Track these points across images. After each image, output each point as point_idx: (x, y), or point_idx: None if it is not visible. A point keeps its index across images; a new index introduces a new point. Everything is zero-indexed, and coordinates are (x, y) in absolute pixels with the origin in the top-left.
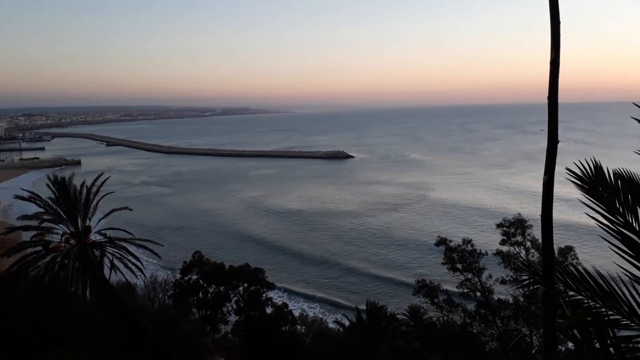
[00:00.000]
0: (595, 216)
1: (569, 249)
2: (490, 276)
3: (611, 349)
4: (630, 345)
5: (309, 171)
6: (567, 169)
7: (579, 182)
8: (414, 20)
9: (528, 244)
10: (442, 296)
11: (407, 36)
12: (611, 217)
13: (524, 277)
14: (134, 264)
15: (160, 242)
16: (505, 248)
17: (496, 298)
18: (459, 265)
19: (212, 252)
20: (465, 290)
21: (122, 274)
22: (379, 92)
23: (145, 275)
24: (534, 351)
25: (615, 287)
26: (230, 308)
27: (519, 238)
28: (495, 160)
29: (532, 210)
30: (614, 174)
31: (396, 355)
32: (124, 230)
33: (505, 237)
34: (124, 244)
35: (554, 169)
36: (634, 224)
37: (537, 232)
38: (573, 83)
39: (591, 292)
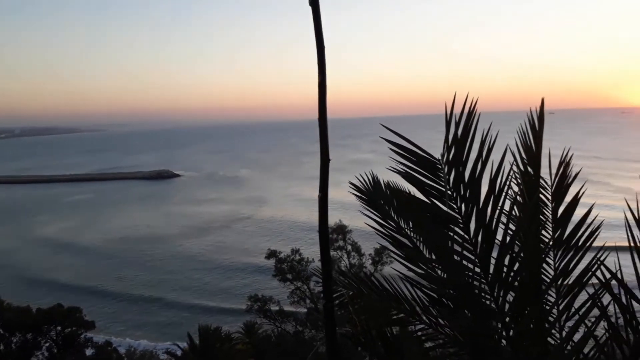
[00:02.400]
0: (373, 224)
1: (379, 253)
2: (317, 282)
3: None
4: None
5: (130, 194)
6: (350, 182)
7: (358, 194)
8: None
9: (349, 247)
10: (274, 308)
11: (216, 52)
12: (384, 223)
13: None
14: None
15: None
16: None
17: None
18: (289, 275)
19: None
20: (295, 299)
21: None
22: (212, 108)
23: None
24: None
25: (398, 288)
26: (41, 357)
27: (341, 243)
28: (315, 173)
29: (350, 217)
30: (385, 184)
31: None
32: None
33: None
34: None
35: (327, 186)
36: (405, 228)
37: (356, 237)
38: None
39: (379, 295)
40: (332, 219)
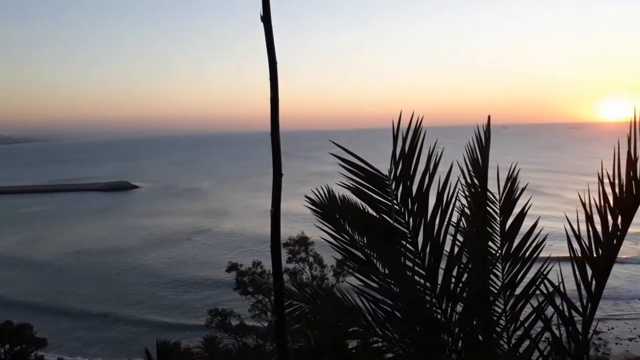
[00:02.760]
0: (328, 238)
1: (341, 264)
2: None
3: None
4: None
5: (86, 206)
6: (306, 196)
7: (313, 207)
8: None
9: (311, 259)
10: (235, 322)
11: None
12: (338, 237)
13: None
14: None
15: None
16: (291, 265)
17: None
18: (250, 289)
19: None
20: (257, 312)
21: None
22: (174, 118)
23: None
24: None
25: (354, 301)
26: None
27: (303, 255)
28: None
29: (312, 229)
30: (340, 198)
31: None
32: None
33: (291, 255)
34: None
35: (279, 201)
36: (359, 242)
37: (318, 249)
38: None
39: (335, 309)
40: (295, 231)
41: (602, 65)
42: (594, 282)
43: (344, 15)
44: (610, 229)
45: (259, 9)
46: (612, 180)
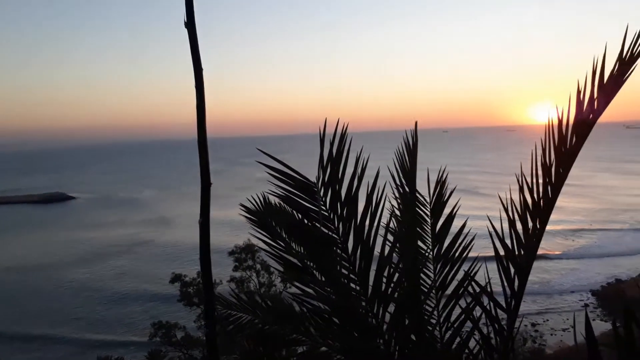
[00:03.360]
0: (263, 247)
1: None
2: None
3: None
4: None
5: (18, 219)
6: (240, 204)
7: (249, 216)
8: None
9: (258, 266)
10: (180, 334)
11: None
12: (274, 244)
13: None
14: None
15: None
16: (238, 274)
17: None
18: (195, 299)
19: None
20: (203, 323)
21: None
22: (111, 125)
23: None
24: None
25: (295, 309)
26: None
27: (250, 262)
28: (223, 192)
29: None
30: (276, 205)
31: None
32: None
33: (237, 264)
34: None
35: (209, 211)
36: (294, 249)
37: (266, 256)
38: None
39: (274, 317)
40: (241, 239)
41: (536, 71)
42: (516, 280)
43: (273, 23)
44: (530, 230)
45: (183, 14)
46: (530, 185)
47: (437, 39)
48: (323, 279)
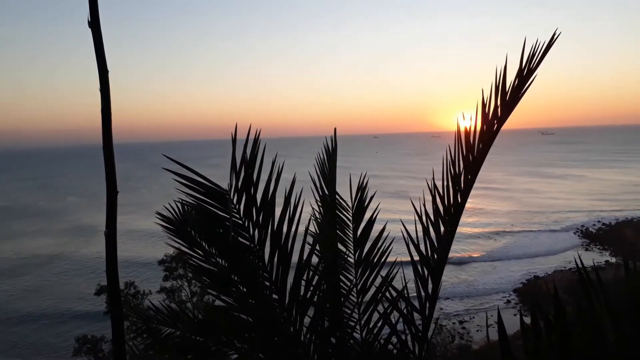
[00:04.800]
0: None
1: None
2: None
3: None
4: None
5: None
6: (157, 212)
7: (165, 224)
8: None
9: (190, 275)
10: (107, 348)
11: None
12: (191, 252)
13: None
14: None
15: None
16: (168, 283)
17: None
18: (130, 310)
19: None
20: (131, 335)
21: None
22: (28, 129)
23: None
24: None
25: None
26: None
27: (181, 271)
28: (150, 199)
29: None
30: (199, 212)
31: None
32: None
33: (167, 273)
34: None
35: (115, 221)
36: (214, 258)
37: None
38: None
39: (196, 329)
40: (172, 249)
41: (458, 78)
42: (430, 283)
43: (189, 27)
44: (442, 234)
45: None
46: (441, 193)
47: (367, 46)
48: (243, 288)
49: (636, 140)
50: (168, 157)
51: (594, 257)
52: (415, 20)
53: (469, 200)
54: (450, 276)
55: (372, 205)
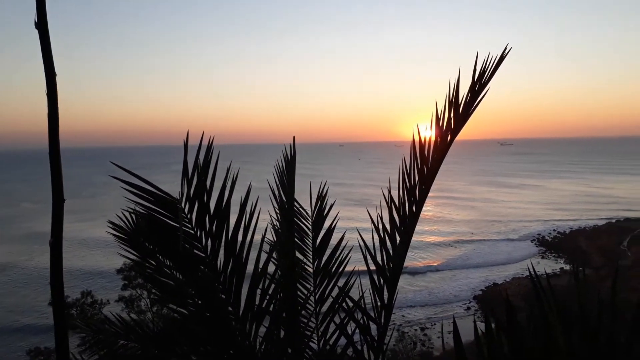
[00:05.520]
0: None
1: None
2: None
3: None
4: None
5: None
6: (109, 221)
7: (117, 234)
8: None
9: (149, 284)
10: None
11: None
12: (144, 263)
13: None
14: None
15: None
16: (127, 293)
17: None
18: (79, 321)
19: None
20: (86, 347)
21: None
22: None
23: None
24: None
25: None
26: None
27: (140, 280)
28: (107, 206)
29: None
30: (150, 221)
31: None
32: None
33: (126, 282)
34: None
35: (61, 230)
36: (168, 268)
37: None
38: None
39: (149, 340)
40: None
41: (422, 89)
42: (385, 292)
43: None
44: (397, 243)
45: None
46: (397, 205)
47: (335, 54)
48: (198, 300)
49: (587, 152)
50: (116, 165)
51: (550, 265)
52: (381, 31)
53: (431, 209)
54: (412, 284)
55: (333, 213)
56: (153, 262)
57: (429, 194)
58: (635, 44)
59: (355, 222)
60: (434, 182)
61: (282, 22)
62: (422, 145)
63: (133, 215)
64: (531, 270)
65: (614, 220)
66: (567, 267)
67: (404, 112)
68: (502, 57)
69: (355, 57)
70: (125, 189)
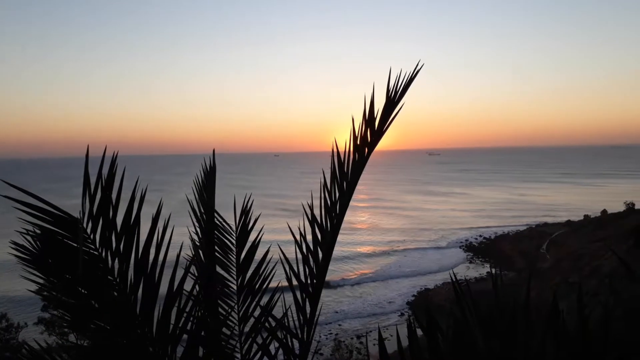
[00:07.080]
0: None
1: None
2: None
3: None
4: None
5: None
6: (11, 241)
7: (22, 254)
8: None
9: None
10: None
11: None
12: (50, 286)
13: None
14: None
15: None
16: (48, 314)
17: None
18: None
19: None
20: None
21: None
22: None
23: None
24: None
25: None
26: None
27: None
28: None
29: None
30: (50, 243)
31: None
32: None
33: (46, 302)
34: None
35: None
36: (76, 290)
37: None
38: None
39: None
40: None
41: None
42: (308, 307)
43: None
44: (320, 260)
45: None
46: (319, 221)
47: (266, 64)
48: (107, 326)
49: (508, 161)
50: (4, 181)
51: (477, 269)
52: (312, 42)
53: (365, 219)
54: (348, 294)
55: (259, 226)
56: (60, 287)
57: (363, 205)
58: (540, 60)
59: (284, 234)
60: (368, 191)
61: (218, 36)
62: (340, 162)
63: (34, 237)
64: (452, 276)
65: (534, 225)
66: (493, 270)
67: (336, 123)
68: (414, 74)
69: (286, 67)
70: (18, 208)
